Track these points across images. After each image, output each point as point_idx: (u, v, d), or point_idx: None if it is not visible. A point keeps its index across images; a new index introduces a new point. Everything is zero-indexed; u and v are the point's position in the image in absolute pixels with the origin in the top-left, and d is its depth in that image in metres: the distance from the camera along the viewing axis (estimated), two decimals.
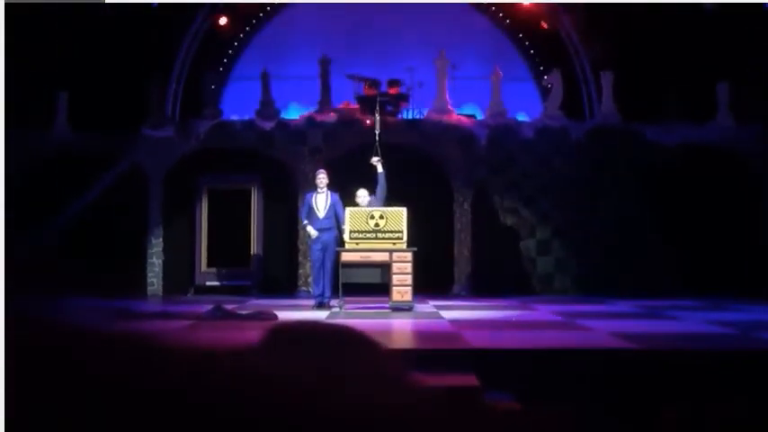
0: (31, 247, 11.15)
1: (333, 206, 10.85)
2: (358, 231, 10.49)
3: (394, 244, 10.45)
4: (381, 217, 10.51)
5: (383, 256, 10.40)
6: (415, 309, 10.39)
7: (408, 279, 10.27)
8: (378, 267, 10.42)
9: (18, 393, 0.72)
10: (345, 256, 10.42)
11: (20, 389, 0.72)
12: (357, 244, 10.47)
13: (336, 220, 10.83)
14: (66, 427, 0.71)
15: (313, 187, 11.35)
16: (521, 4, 15.29)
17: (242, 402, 0.76)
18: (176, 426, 0.73)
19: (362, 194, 10.91)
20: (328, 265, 10.87)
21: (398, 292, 10.26)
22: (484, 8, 15.43)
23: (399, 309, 10.20)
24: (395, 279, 10.27)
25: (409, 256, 10.34)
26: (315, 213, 10.90)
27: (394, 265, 10.28)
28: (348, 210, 10.65)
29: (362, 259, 10.46)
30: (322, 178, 10.99)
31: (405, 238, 10.45)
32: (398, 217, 10.52)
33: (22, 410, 0.72)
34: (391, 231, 10.47)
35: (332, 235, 10.91)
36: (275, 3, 15.48)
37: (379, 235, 10.45)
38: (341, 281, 10.45)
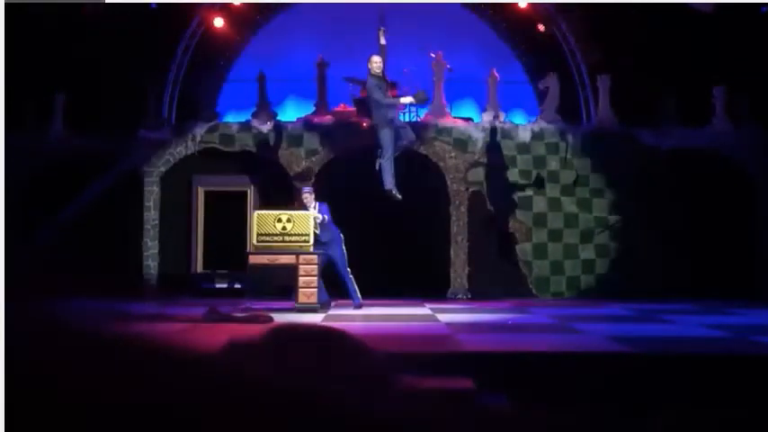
0: (27, 248, 11.12)
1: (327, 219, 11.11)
2: (266, 234, 10.80)
3: (300, 247, 10.76)
4: (289, 220, 10.85)
5: (290, 259, 10.72)
6: (324, 310, 10.65)
7: (314, 281, 10.61)
8: (286, 269, 10.84)
9: (18, 393, 0.72)
10: (253, 259, 10.72)
11: (19, 388, 0.72)
12: (265, 246, 10.85)
13: (325, 226, 11.10)
14: (65, 427, 0.71)
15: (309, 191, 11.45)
16: (518, 6, 15.30)
17: (235, 404, 0.76)
18: (170, 427, 0.73)
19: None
20: (343, 271, 11.18)
21: (304, 294, 10.56)
22: (481, 11, 15.44)
23: (305, 311, 10.36)
24: (301, 281, 10.57)
25: (315, 258, 10.69)
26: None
27: (300, 267, 10.55)
28: (256, 213, 11.05)
29: (270, 262, 10.80)
30: (308, 197, 11.16)
31: (311, 240, 10.80)
32: (305, 221, 10.85)
33: (22, 410, 0.72)
34: (298, 234, 10.77)
35: (335, 244, 11.15)
36: (272, 4, 15.47)
37: (286, 238, 10.77)
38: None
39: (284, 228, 10.75)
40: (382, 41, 11.05)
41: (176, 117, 14.89)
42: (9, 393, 0.73)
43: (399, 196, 11.04)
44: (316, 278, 10.60)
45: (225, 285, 13.79)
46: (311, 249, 10.74)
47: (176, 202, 13.97)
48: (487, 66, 14.59)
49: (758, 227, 13.75)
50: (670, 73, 14.18)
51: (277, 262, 10.76)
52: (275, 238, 10.75)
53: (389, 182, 10.91)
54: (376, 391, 0.89)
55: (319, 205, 11.17)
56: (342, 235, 11.26)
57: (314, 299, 10.55)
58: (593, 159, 13.97)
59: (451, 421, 0.89)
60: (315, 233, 10.89)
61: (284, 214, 10.87)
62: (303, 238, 10.74)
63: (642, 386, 5.63)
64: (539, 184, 13.83)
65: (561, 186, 13.94)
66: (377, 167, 11.05)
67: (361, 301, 11.17)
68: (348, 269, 11.24)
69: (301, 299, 10.56)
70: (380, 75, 11.02)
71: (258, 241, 10.77)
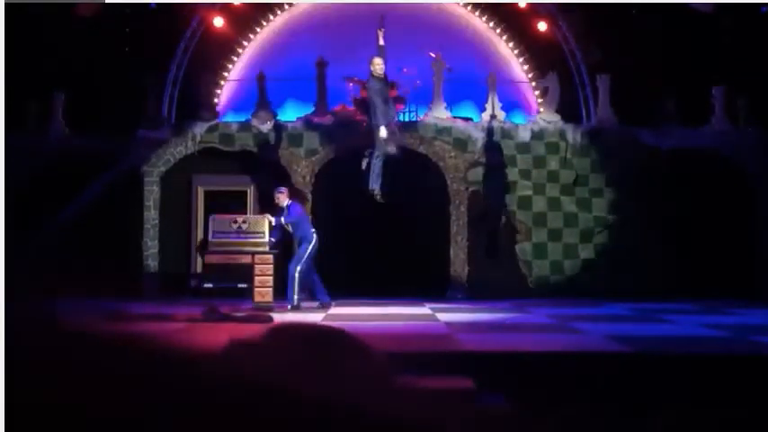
0: (27, 248, 11.13)
1: (290, 219, 11.23)
2: (221, 232, 11.09)
3: (256, 246, 10.98)
4: (244, 222, 11.20)
5: (246, 259, 10.96)
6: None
7: (270, 281, 10.82)
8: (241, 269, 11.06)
9: (17, 393, 0.72)
10: (210, 258, 10.95)
11: (19, 388, 0.72)
12: (221, 245, 11.12)
13: (296, 226, 11.21)
14: (64, 426, 0.71)
15: (307, 189, 11.51)
16: (518, 6, 15.29)
17: (235, 402, 0.76)
18: (169, 425, 0.73)
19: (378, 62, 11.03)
20: (290, 267, 11.16)
21: (260, 293, 10.79)
22: (481, 10, 15.43)
23: (261, 309, 10.44)
24: (257, 281, 10.81)
25: (270, 258, 10.90)
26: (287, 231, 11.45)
27: (256, 267, 10.68)
28: (213, 216, 11.39)
29: (227, 261, 11.04)
30: (280, 197, 11.30)
31: (266, 240, 11.07)
32: (260, 222, 11.17)
33: (22, 410, 0.72)
34: (254, 233, 11.08)
35: (301, 244, 11.28)
36: (272, 4, 15.46)
37: (242, 236, 11.09)
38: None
39: (240, 228, 11.11)
40: (381, 42, 11.08)
41: (176, 117, 14.87)
42: (9, 393, 0.73)
43: (382, 199, 11.07)
44: (271, 277, 10.81)
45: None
46: (267, 249, 11.00)
47: (176, 202, 13.96)
48: (487, 65, 14.59)
49: (758, 226, 13.76)
50: (670, 73, 14.18)
51: (234, 261, 11.04)
52: (231, 237, 11.07)
53: (374, 181, 10.97)
54: (376, 390, 0.90)
55: (291, 205, 11.20)
56: (316, 236, 11.21)
57: (269, 297, 10.74)
58: (593, 159, 13.98)
59: (451, 420, 0.90)
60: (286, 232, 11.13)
61: (240, 216, 11.34)
62: (258, 237, 11.04)
63: (641, 386, 5.63)
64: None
65: (561, 186, 13.94)
66: (363, 166, 11.07)
67: (296, 305, 10.93)
68: (297, 269, 11.02)
69: (257, 298, 10.78)
70: (382, 76, 11.03)
71: (213, 239, 11.08)
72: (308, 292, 11.48)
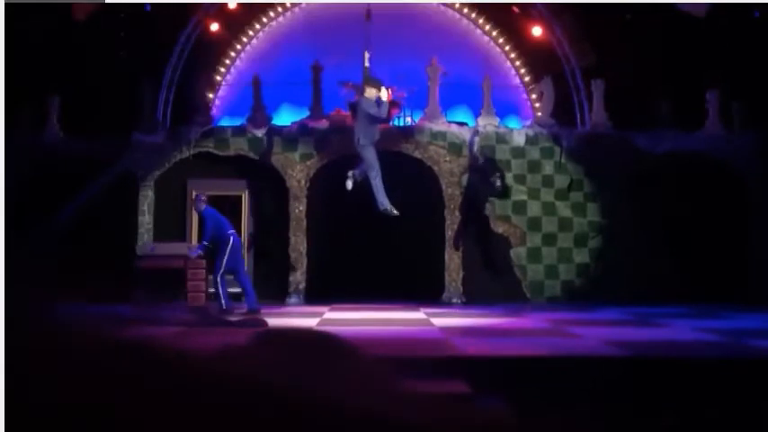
0: (22, 251, 11.09)
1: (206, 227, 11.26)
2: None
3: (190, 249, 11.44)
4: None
5: (179, 263, 11.39)
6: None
7: (202, 285, 11.20)
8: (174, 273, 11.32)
9: (17, 394, 0.72)
10: (144, 263, 11.18)
11: (18, 390, 0.72)
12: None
13: (214, 230, 11.14)
14: (63, 427, 0.71)
15: (302, 194, 11.50)
16: (512, 10, 15.32)
17: (229, 407, 0.76)
18: (167, 426, 0.73)
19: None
20: (214, 276, 11.23)
21: (192, 297, 11.21)
22: (475, 15, 15.46)
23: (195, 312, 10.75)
24: (189, 285, 11.27)
25: (203, 263, 11.21)
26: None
27: (189, 271, 10.78)
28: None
29: (160, 265, 11.48)
30: (197, 204, 11.40)
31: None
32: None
33: (22, 410, 0.72)
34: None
35: (219, 247, 11.21)
36: (267, 7, 15.47)
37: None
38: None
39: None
40: (366, 64, 11.00)
41: (171, 121, 14.86)
42: (9, 394, 0.73)
43: (396, 212, 10.95)
44: (203, 282, 11.22)
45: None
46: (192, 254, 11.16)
47: (171, 207, 13.92)
48: (482, 70, 14.62)
49: (752, 230, 13.78)
50: (664, 77, 14.21)
51: (167, 266, 11.47)
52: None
53: (383, 200, 10.79)
54: (370, 395, 0.89)
55: (205, 210, 11.17)
56: (233, 238, 11.15)
57: (201, 301, 11.19)
58: (588, 163, 14.00)
59: (447, 426, 0.89)
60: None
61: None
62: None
63: (638, 390, 5.64)
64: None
65: (555, 191, 13.96)
66: (348, 187, 10.84)
67: (227, 308, 10.81)
68: (219, 273, 10.97)
69: (190, 301, 11.21)
70: (372, 102, 10.91)
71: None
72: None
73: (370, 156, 10.76)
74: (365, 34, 11.72)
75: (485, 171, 13.77)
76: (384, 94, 10.75)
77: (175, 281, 11.36)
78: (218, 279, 10.91)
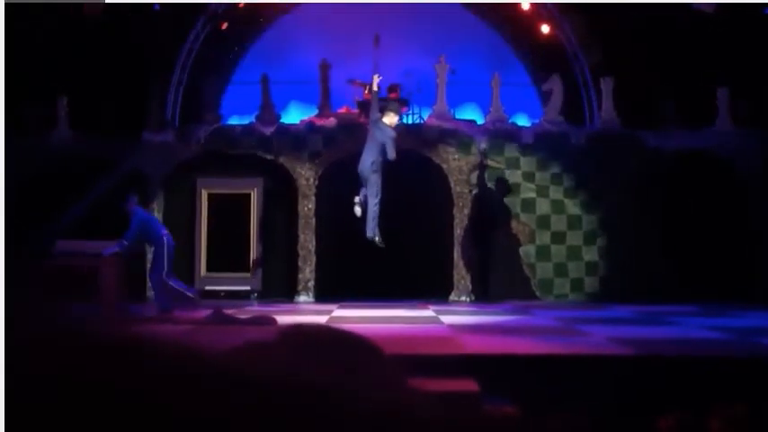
0: (30, 251, 11.17)
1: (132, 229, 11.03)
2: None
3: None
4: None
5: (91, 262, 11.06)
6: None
7: (115, 286, 10.86)
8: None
9: (17, 395, 0.72)
10: (51, 265, 11.31)
11: (19, 390, 0.73)
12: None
13: (144, 231, 11.04)
14: (63, 428, 0.72)
15: (310, 192, 11.45)
16: (521, 8, 15.30)
17: (240, 405, 0.77)
18: (171, 427, 0.74)
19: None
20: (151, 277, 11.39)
21: (104, 298, 10.90)
22: (484, 12, 15.45)
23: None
24: (102, 285, 10.92)
25: (118, 262, 10.97)
26: None
27: (102, 271, 10.90)
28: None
29: (71, 264, 11.12)
30: (130, 205, 11.17)
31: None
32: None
33: (22, 411, 0.72)
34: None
35: (154, 249, 11.29)
36: (276, 6, 15.49)
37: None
38: None
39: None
40: (375, 88, 10.83)
41: (180, 119, 14.90)
42: (9, 394, 0.73)
43: (382, 244, 10.62)
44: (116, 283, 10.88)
45: (228, 287, 13.77)
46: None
47: (180, 205, 13.95)
48: (491, 68, 14.60)
49: (758, 228, 13.72)
50: (673, 75, 14.17)
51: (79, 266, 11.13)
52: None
53: (372, 229, 10.43)
54: (381, 392, 0.90)
55: (133, 210, 11.06)
56: (165, 238, 11.04)
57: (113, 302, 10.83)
58: (597, 161, 13.96)
59: (455, 423, 0.90)
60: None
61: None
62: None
63: (646, 388, 5.63)
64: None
65: (564, 188, 13.93)
66: (357, 213, 10.42)
67: (168, 308, 10.78)
68: (164, 276, 10.93)
69: (102, 302, 10.93)
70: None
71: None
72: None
73: (379, 183, 10.40)
74: (374, 59, 11.62)
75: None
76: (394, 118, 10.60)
77: (88, 281, 11.09)
78: (163, 280, 10.90)
